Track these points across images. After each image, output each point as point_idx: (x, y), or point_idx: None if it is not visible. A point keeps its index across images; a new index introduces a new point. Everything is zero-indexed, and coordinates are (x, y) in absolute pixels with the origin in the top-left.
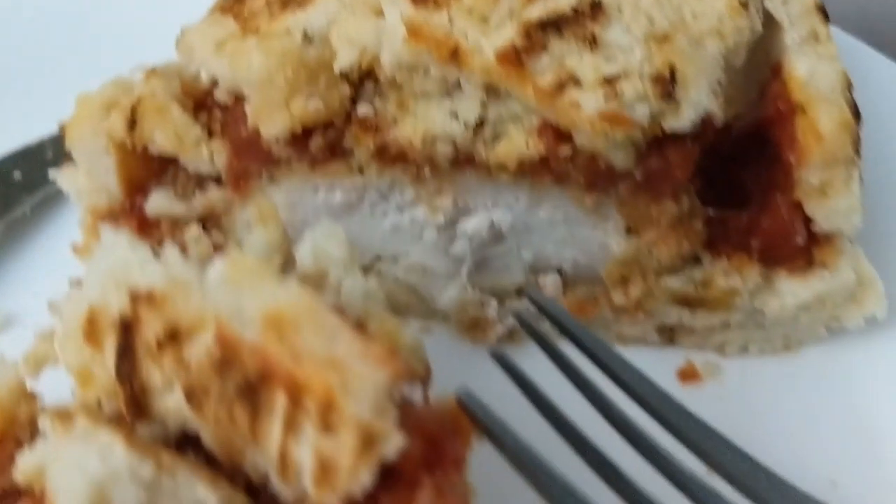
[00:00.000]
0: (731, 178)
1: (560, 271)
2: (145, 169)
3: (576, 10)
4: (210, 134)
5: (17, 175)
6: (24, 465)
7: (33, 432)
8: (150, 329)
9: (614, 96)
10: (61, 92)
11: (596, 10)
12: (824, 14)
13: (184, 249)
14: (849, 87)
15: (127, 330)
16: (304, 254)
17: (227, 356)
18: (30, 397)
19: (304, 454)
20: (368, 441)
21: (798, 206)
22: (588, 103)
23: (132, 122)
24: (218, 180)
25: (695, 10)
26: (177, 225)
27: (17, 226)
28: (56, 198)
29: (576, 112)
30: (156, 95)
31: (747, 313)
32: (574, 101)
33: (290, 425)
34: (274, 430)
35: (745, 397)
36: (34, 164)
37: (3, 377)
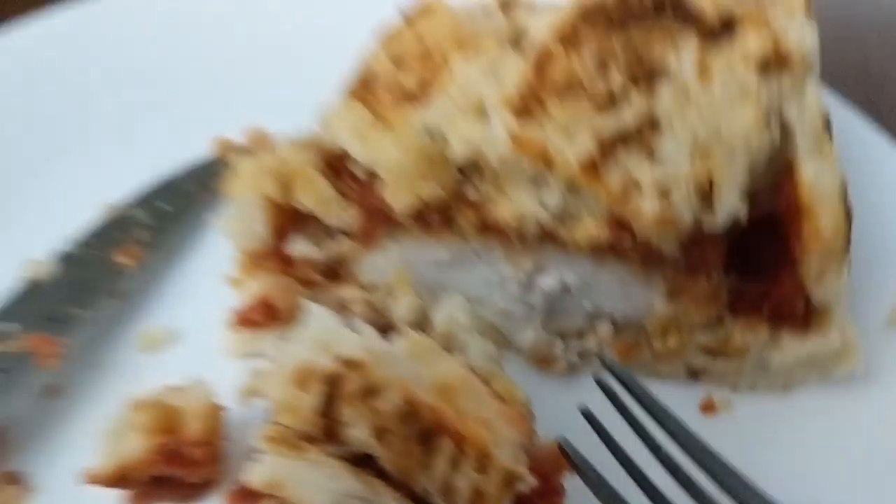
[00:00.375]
0: (748, 252)
1: (612, 320)
2: (289, 220)
3: (638, 126)
4: (345, 197)
5: (167, 207)
6: (259, 474)
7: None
8: (351, 385)
9: (667, 203)
10: (191, 124)
11: (654, 126)
12: (829, 131)
13: (342, 305)
14: (844, 191)
15: (332, 383)
16: (440, 320)
17: (409, 410)
18: (219, 410)
19: (463, 485)
20: (509, 481)
21: (801, 283)
22: (647, 207)
23: (284, 187)
24: (346, 232)
25: (728, 124)
26: (311, 264)
27: (171, 251)
28: (200, 228)
29: (637, 214)
30: (303, 167)
31: (756, 361)
32: (636, 205)
33: (454, 463)
34: (441, 464)
35: (752, 427)
36: (179, 196)
37: (201, 395)
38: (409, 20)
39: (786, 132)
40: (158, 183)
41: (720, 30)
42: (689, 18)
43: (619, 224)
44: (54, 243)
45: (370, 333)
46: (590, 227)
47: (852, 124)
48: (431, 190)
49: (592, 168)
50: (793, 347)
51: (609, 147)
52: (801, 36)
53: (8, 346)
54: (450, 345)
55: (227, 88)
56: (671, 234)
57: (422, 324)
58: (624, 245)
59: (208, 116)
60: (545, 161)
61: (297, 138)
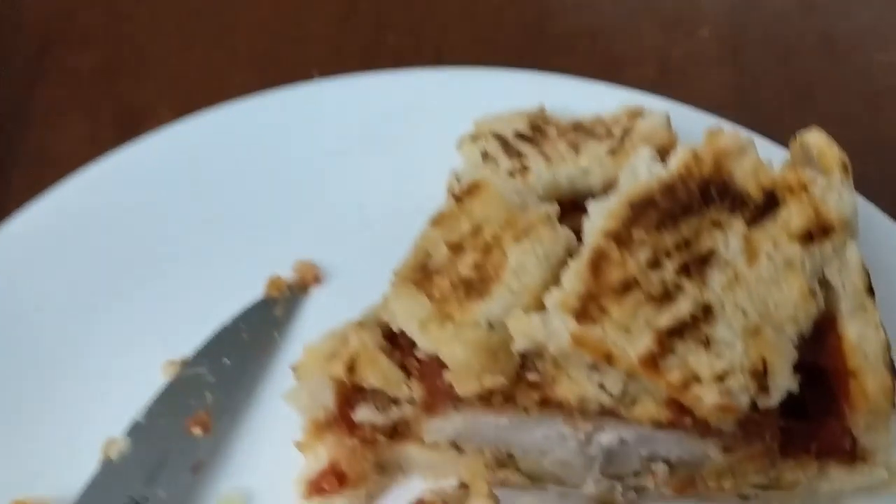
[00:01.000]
0: (797, 395)
1: (667, 462)
2: (354, 391)
3: (693, 315)
4: (408, 374)
5: (226, 362)
6: None
7: None
8: None
9: (725, 391)
10: (240, 262)
11: (707, 312)
12: (871, 291)
13: None
14: (888, 349)
15: None
16: None
17: None
18: None
19: None
20: None
21: (847, 428)
22: (707, 397)
23: (350, 369)
24: (411, 401)
25: (776, 300)
26: (376, 427)
27: (238, 412)
28: (261, 379)
29: (698, 402)
30: (367, 348)
31: (805, 490)
32: (696, 395)
33: None
34: None
35: None
36: (236, 347)
37: None
38: (460, 199)
39: (828, 290)
40: (214, 334)
41: (764, 207)
42: (735, 200)
43: (680, 407)
44: (127, 412)
45: None
46: (650, 409)
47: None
48: (494, 380)
49: (652, 362)
50: (840, 478)
51: (666, 339)
52: (840, 200)
53: None
54: None
55: (272, 223)
56: (729, 417)
57: None
58: (684, 424)
59: (257, 254)
60: (606, 357)
61: (362, 316)
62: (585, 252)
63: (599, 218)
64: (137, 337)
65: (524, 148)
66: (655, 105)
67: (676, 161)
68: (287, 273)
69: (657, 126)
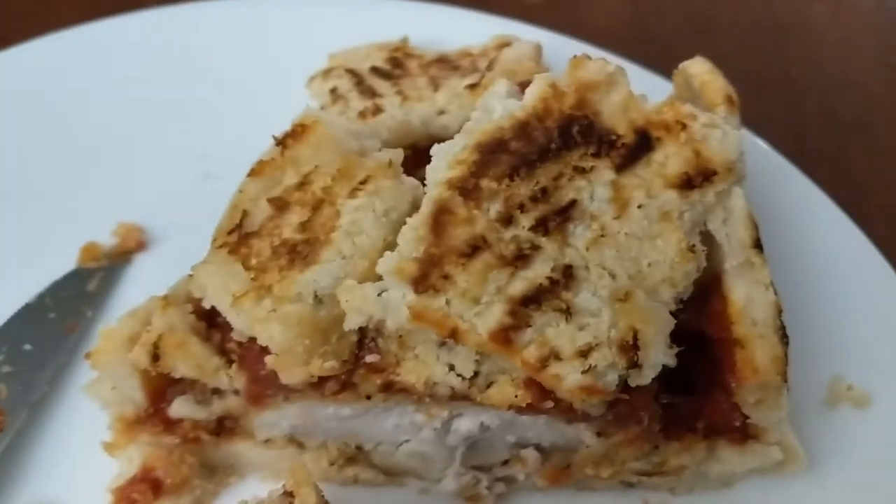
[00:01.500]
0: (678, 369)
1: (538, 447)
2: (166, 382)
3: (551, 279)
4: (228, 360)
5: (28, 347)
6: None
7: None
8: None
9: (589, 368)
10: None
11: (568, 276)
12: (759, 247)
13: None
14: (779, 313)
15: None
16: None
17: None
18: None
19: None
20: None
21: (735, 404)
22: (568, 377)
23: (155, 356)
24: (235, 391)
25: (649, 258)
26: (198, 423)
27: (38, 405)
28: (67, 366)
29: (558, 382)
30: (174, 329)
31: (694, 473)
32: (556, 373)
33: None
34: None
35: None
36: (40, 329)
37: None
38: (284, 144)
39: (711, 246)
40: (16, 314)
41: (636, 148)
42: (602, 142)
43: (540, 387)
44: None
45: None
46: (507, 392)
47: (782, 170)
48: (325, 365)
49: (504, 336)
50: (731, 459)
51: (521, 309)
52: (724, 140)
53: None
54: None
55: (90, 179)
56: (595, 399)
57: None
58: (545, 406)
59: (71, 216)
60: (451, 333)
61: (168, 291)
62: (426, 207)
63: (443, 165)
64: None
65: (380, 85)
66: (534, 36)
67: (532, 94)
68: (106, 238)
69: (524, 56)
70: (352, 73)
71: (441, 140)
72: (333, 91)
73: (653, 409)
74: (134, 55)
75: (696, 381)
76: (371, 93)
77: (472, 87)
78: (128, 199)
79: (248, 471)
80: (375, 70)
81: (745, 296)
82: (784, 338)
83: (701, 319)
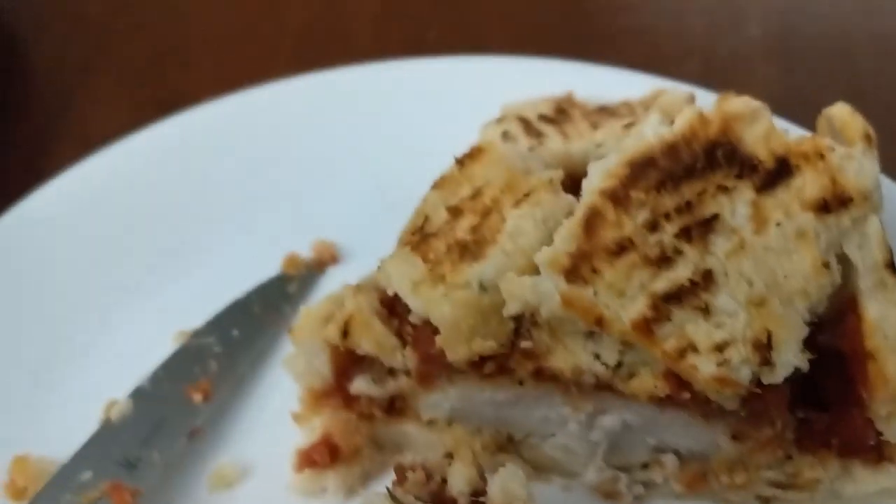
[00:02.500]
0: (814, 384)
1: (677, 453)
2: (350, 361)
3: (692, 281)
4: (403, 342)
5: (235, 334)
6: None
7: None
8: None
9: (724, 362)
10: (260, 239)
11: (708, 279)
12: (893, 268)
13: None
14: None
15: None
16: (495, 491)
17: None
18: None
19: None
20: None
21: (869, 419)
22: (704, 368)
23: (345, 332)
24: (406, 372)
25: (785, 271)
26: (373, 400)
27: (240, 382)
28: (266, 351)
29: (694, 373)
30: (362, 311)
31: (829, 492)
32: (693, 364)
33: None
34: None
35: None
36: (247, 320)
37: None
38: (462, 163)
39: (847, 267)
40: (227, 306)
41: (776, 173)
42: (744, 165)
43: (678, 379)
44: (133, 377)
45: None
46: (647, 381)
47: None
48: (485, 344)
49: (646, 327)
50: (866, 479)
51: (662, 305)
52: (860, 170)
53: (83, 497)
54: None
55: (295, 202)
56: (729, 393)
57: (479, 491)
58: (683, 398)
59: (277, 231)
60: (597, 321)
61: (359, 281)
62: (580, 211)
63: (597, 177)
64: (153, 307)
65: (545, 128)
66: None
67: (681, 121)
68: (306, 252)
69: (678, 101)
70: (521, 119)
71: None
72: (504, 134)
73: (786, 417)
74: (334, 108)
75: (831, 399)
76: (537, 134)
77: (628, 126)
78: (325, 221)
79: (411, 450)
80: (542, 117)
81: (879, 313)
82: None
83: (836, 337)
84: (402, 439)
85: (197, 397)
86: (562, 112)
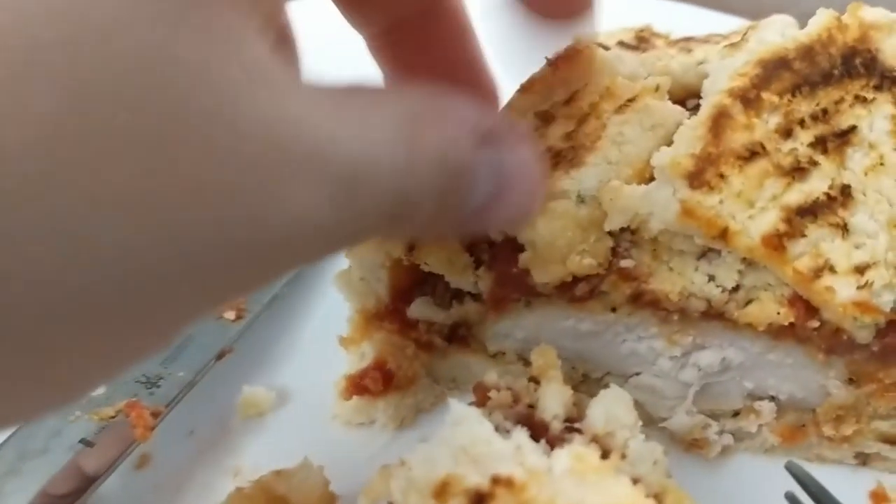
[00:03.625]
0: None
1: (775, 399)
2: (412, 279)
3: (829, 196)
4: (477, 262)
5: None
6: None
7: None
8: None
9: (865, 285)
10: None
11: (846, 195)
12: None
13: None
14: None
15: (479, 501)
16: (596, 416)
17: None
18: (332, 497)
19: None
20: None
21: None
22: (842, 290)
23: (411, 246)
24: (475, 296)
25: None
26: (433, 326)
27: (276, 302)
28: (309, 270)
29: (830, 296)
30: None
31: None
32: (829, 286)
33: None
34: None
35: None
36: None
37: (312, 480)
38: (555, 65)
39: None
40: None
41: None
42: (884, 76)
43: (806, 306)
44: None
45: (527, 445)
46: (769, 309)
47: None
48: (584, 262)
49: (777, 243)
50: None
51: (796, 219)
52: None
53: (95, 414)
54: (609, 446)
55: None
56: (868, 321)
57: (573, 418)
58: (809, 329)
59: None
60: (721, 234)
61: None
62: (705, 110)
63: (723, 77)
64: None
65: (628, 56)
66: None
67: (816, 23)
68: None
69: (787, 22)
70: (601, 46)
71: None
72: None
73: None
74: None
75: None
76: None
77: (733, 45)
78: None
79: (471, 387)
80: (623, 44)
81: None
82: None
83: None
84: (461, 373)
85: (228, 314)
86: (643, 40)
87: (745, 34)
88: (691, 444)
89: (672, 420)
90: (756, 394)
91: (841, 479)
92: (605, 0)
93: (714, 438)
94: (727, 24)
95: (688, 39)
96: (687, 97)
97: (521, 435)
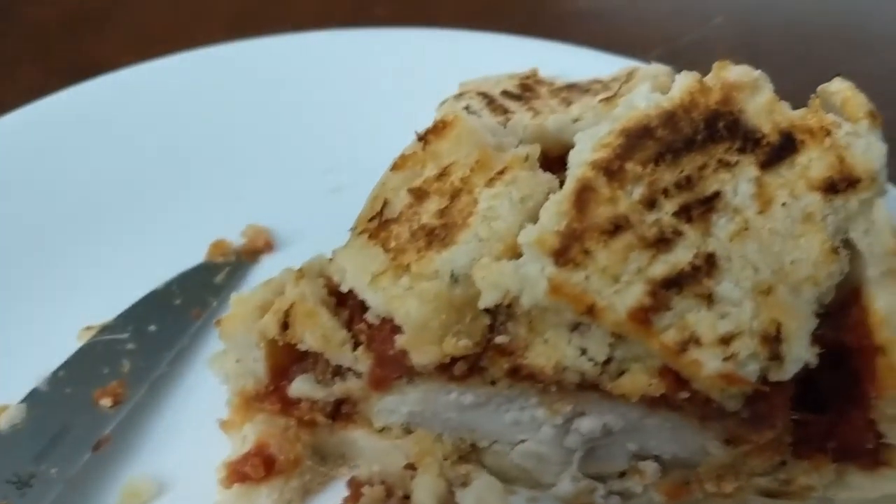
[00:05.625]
0: (811, 382)
1: (659, 459)
2: (290, 358)
3: (694, 266)
4: (355, 339)
5: (152, 328)
6: None
7: None
8: None
9: (730, 356)
10: (183, 225)
11: (711, 264)
12: None
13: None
14: None
15: None
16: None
17: None
18: None
19: None
20: None
21: (871, 420)
22: (708, 363)
23: (285, 325)
24: (357, 372)
25: (793, 257)
26: (315, 404)
27: (157, 384)
28: (189, 349)
29: (697, 369)
30: (305, 300)
31: (820, 500)
32: (696, 359)
33: None
34: None
35: None
36: (165, 313)
37: None
38: (425, 140)
39: (852, 254)
40: (143, 298)
41: (780, 148)
42: (747, 139)
43: (675, 377)
44: (29, 379)
45: None
46: (640, 380)
47: None
48: (459, 344)
49: (643, 317)
50: (861, 485)
51: (661, 292)
52: (868, 149)
53: None
54: None
55: (224, 183)
56: (735, 391)
57: None
58: (680, 399)
59: (203, 215)
60: (589, 310)
61: (303, 265)
62: (569, 184)
63: (587, 148)
64: (56, 299)
65: (511, 105)
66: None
67: (679, 88)
68: (236, 238)
69: (660, 73)
70: (483, 95)
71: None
72: (466, 108)
73: (787, 418)
74: (277, 76)
75: (830, 400)
76: (503, 110)
77: (608, 100)
78: (259, 204)
79: (360, 462)
80: (506, 93)
81: (889, 304)
82: None
83: (839, 331)
84: (349, 449)
85: (105, 402)
86: (527, 89)
87: (619, 88)
88: None
89: (559, 486)
90: (640, 454)
91: None
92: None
93: (601, 502)
94: (613, 64)
95: (570, 87)
96: (564, 153)
97: None
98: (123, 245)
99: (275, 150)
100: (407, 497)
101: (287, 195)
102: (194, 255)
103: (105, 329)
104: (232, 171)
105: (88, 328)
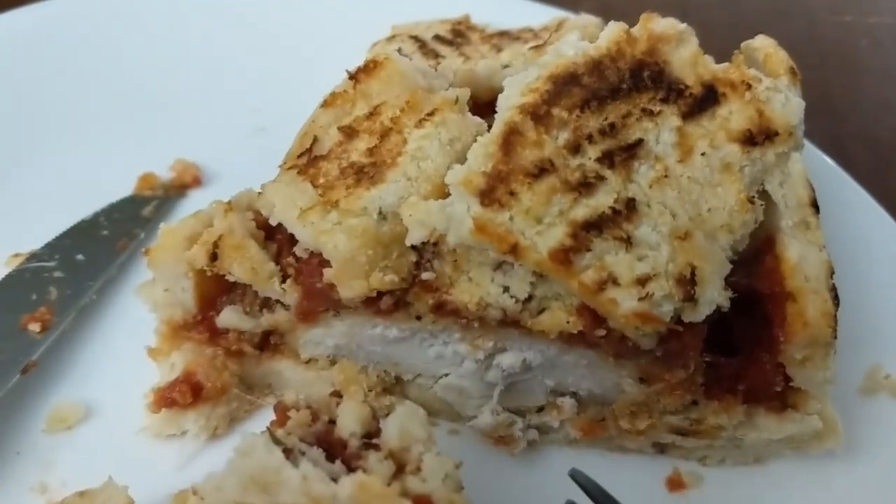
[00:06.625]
0: (724, 327)
1: (576, 395)
2: (218, 288)
3: (614, 210)
4: (283, 272)
5: (80, 258)
6: None
7: None
8: None
9: (646, 296)
10: (113, 157)
11: (630, 209)
12: (816, 207)
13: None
14: (831, 274)
15: None
16: (391, 432)
17: None
18: None
19: None
20: None
21: (780, 363)
22: (624, 302)
23: (213, 255)
24: (285, 304)
25: (710, 205)
26: (243, 335)
27: (84, 312)
28: (116, 279)
29: (613, 307)
30: (234, 232)
31: (729, 439)
32: (612, 298)
33: None
34: None
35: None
36: (93, 244)
37: (115, 499)
38: (356, 79)
39: (768, 205)
40: (70, 228)
41: (702, 100)
42: (671, 89)
43: (593, 315)
44: None
45: (313, 474)
46: (559, 318)
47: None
48: (386, 278)
49: (564, 257)
50: (769, 427)
51: (582, 234)
52: (787, 106)
53: None
54: (404, 460)
55: (153, 117)
56: (649, 329)
57: (371, 433)
58: (596, 336)
59: (132, 148)
60: (512, 249)
61: (232, 198)
62: (497, 127)
63: (516, 92)
64: None
65: (443, 49)
66: None
67: (606, 37)
68: (164, 172)
69: (589, 23)
70: (415, 38)
71: None
72: (398, 51)
73: (699, 359)
74: (207, 13)
75: (741, 343)
76: (434, 55)
77: (537, 48)
78: (188, 139)
79: (286, 392)
80: (438, 38)
81: (800, 254)
82: (835, 298)
83: (752, 278)
84: (275, 379)
85: (33, 327)
86: (459, 34)
87: (549, 37)
88: (499, 441)
89: (479, 418)
90: (558, 390)
91: (641, 466)
92: None
93: (519, 434)
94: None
95: (502, 35)
96: (494, 98)
97: (307, 466)
98: (52, 175)
99: (206, 88)
100: (333, 422)
101: (217, 133)
102: (123, 188)
103: (32, 257)
104: (162, 107)
105: (16, 255)
